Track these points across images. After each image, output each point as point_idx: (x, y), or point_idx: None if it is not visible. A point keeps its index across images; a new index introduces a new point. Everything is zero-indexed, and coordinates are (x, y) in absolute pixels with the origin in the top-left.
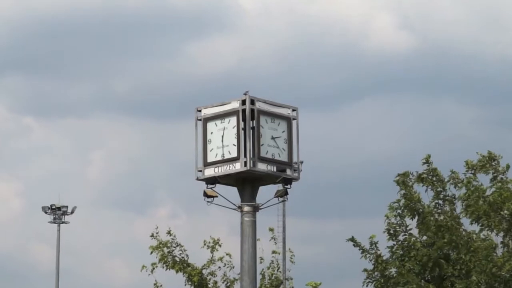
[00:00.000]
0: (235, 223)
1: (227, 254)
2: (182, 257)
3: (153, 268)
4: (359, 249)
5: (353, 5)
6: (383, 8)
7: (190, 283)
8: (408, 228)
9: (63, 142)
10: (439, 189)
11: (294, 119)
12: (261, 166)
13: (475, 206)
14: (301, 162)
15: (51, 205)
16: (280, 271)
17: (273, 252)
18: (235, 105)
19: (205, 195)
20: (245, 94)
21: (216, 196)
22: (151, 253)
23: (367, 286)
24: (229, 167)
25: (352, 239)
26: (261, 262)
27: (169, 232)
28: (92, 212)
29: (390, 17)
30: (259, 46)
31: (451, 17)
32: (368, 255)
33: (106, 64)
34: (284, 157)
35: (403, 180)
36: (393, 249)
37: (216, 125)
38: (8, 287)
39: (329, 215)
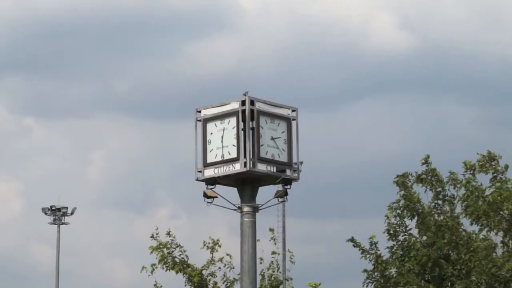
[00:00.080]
0: (235, 223)
1: (227, 255)
2: (182, 258)
3: (153, 269)
4: (359, 250)
5: (353, 5)
6: (383, 8)
7: (190, 283)
8: (408, 228)
9: (63, 142)
10: (438, 189)
11: (293, 119)
12: (261, 167)
13: (475, 206)
14: (301, 163)
15: (51, 206)
16: (280, 272)
17: (273, 252)
18: (235, 105)
19: (205, 195)
20: (244, 94)
21: (216, 197)
22: (151, 252)
23: (367, 286)
24: (229, 167)
25: (352, 240)
26: (261, 263)
27: (168, 233)
28: (92, 212)
29: (390, 17)
30: (259, 46)
31: (451, 17)
32: (368, 256)
33: (106, 64)
34: (283, 158)
35: (402, 181)
36: (393, 249)
37: (216, 125)
38: None
39: (329, 215)
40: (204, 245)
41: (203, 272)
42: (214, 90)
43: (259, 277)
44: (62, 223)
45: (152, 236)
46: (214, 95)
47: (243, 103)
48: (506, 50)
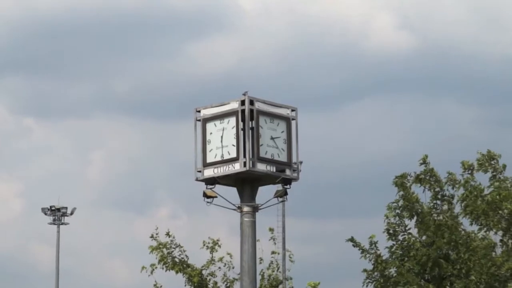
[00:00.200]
0: (235, 223)
1: (228, 254)
2: (182, 258)
3: (153, 270)
4: (359, 249)
5: (353, 5)
6: (383, 8)
7: (190, 283)
8: (407, 228)
9: (63, 142)
10: (437, 189)
11: (293, 119)
12: (261, 167)
13: (473, 206)
14: (301, 162)
15: (50, 207)
16: (279, 271)
17: (273, 252)
18: (234, 105)
19: (205, 195)
20: (244, 94)
21: (216, 197)
22: (151, 252)
23: (367, 286)
24: (229, 167)
25: (352, 240)
26: (260, 263)
27: (168, 234)
28: (92, 212)
29: (390, 17)
30: (259, 46)
31: (451, 17)
32: (367, 255)
33: (106, 64)
34: (283, 158)
35: (401, 182)
36: (393, 249)
37: (216, 125)
38: None
39: (329, 215)
40: (204, 245)
41: (203, 272)
42: (214, 90)
43: (259, 277)
44: (62, 223)
45: (152, 236)
46: (214, 95)
47: (243, 103)
48: (506, 50)
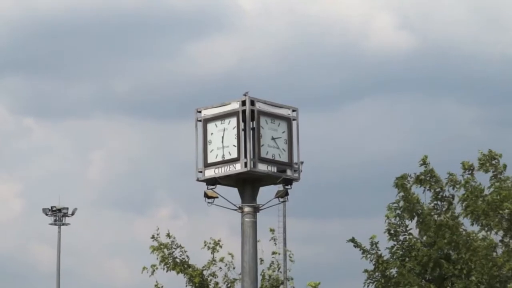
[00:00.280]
0: (236, 224)
1: (229, 254)
2: (183, 258)
3: (154, 270)
4: (360, 250)
5: (353, 5)
6: (383, 8)
7: (191, 284)
8: (408, 229)
9: (63, 142)
10: (437, 190)
11: (294, 119)
12: (262, 167)
13: (474, 206)
14: (302, 163)
15: (51, 207)
16: (280, 272)
17: (273, 252)
18: (235, 106)
19: (206, 196)
20: (244, 94)
21: (217, 197)
22: (152, 251)
23: (368, 286)
24: (230, 168)
25: (353, 240)
26: (261, 263)
27: (168, 235)
28: (92, 212)
29: (390, 17)
30: (259, 46)
31: (451, 17)
32: (368, 256)
33: (106, 64)
34: (284, 158)
35: (401, 183)
36: (394, 250)
37: (216, 126)
38: None
39: (329, 215)
40: (205, 245)
41: (204, 272)
42: (214, 90)
43: (259, 278)
44: (63, 224)
45: (152, 237)
46: (214, 95)
47: (244, 103)
48: (506, 50)
